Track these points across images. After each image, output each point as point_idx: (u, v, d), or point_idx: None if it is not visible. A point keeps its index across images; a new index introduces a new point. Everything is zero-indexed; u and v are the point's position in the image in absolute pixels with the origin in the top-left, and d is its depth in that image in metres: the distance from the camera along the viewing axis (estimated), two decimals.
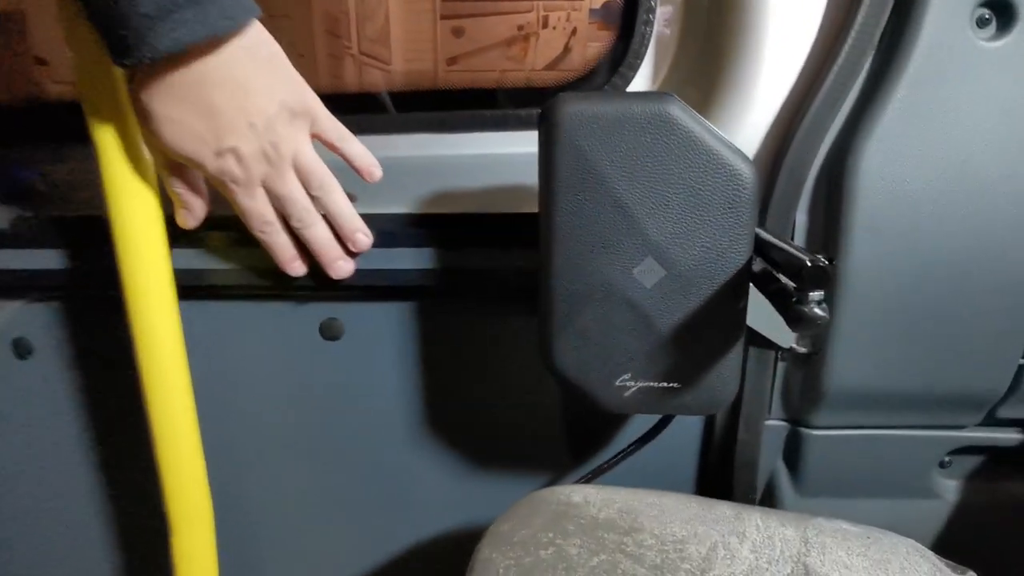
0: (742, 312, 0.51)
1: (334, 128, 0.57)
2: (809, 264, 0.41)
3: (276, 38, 0.52)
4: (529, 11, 1.03)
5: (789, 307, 0.42)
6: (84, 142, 0.53)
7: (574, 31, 1.02)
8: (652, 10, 0.64)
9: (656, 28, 0.66)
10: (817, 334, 0.46)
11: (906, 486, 0.65)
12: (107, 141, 0.53)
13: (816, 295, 0.41)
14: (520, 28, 1.04)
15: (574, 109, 0.47)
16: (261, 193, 0.55)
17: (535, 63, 1.06)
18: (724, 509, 0.57)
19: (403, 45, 1.05)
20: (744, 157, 0.49)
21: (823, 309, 0.42)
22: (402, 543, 0.76)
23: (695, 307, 0.50)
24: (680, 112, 0.47)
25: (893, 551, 0.54)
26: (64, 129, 0.68)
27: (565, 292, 0.51)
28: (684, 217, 0.48)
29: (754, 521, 0.55)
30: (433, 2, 1.02)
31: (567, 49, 0.98)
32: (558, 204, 0.49)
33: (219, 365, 0.70)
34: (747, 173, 0.48)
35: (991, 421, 0.62)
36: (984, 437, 0.62)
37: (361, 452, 0.74)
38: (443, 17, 1.03)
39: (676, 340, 0.51)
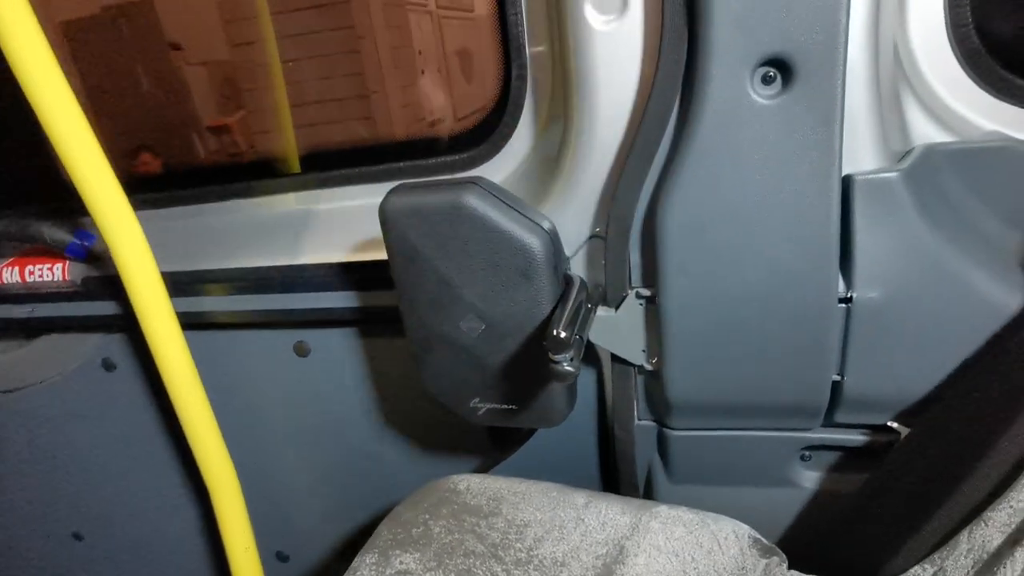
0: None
1: None
2: (554, 333, 0.52)
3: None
4: None
5: (551, 361, 0.54)
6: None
7: None
8: (523, 76, 0.73)
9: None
10: (568, 379, 0.56)
11: (769, 477, 0.73)
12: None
13: (562, 356, 0.53)
14: None
15: (399, 202, 0.61)
16: None
17: None
18: (578, 498, 0.70)
19: None
20: (539, 232, 0.59)
21: (572, 366, 0.53)
22: (360, 509, 0.99)
23: (514, 350, 0.63)
24: (476, 200, 0.58)
25: (714, 535, 0.65)
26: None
27: (416, 337, 0.66)
28: (490, 283, 0.60)
29: (598, 508, 0.68)
30: None
31: None
32: (397, 274, 0.63)
33: (224, 378, 0.94)
34: (537, 246, 0.58)
35: (835, 424, 0.68)
36: (830, 438, 0.68)
37: (329, 440, 0.95)
38: None
39: (505, 374, 0.64)
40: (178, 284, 0.86)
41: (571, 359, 0.53)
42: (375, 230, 0.82)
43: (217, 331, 0.91)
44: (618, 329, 0.69)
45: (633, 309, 0.68)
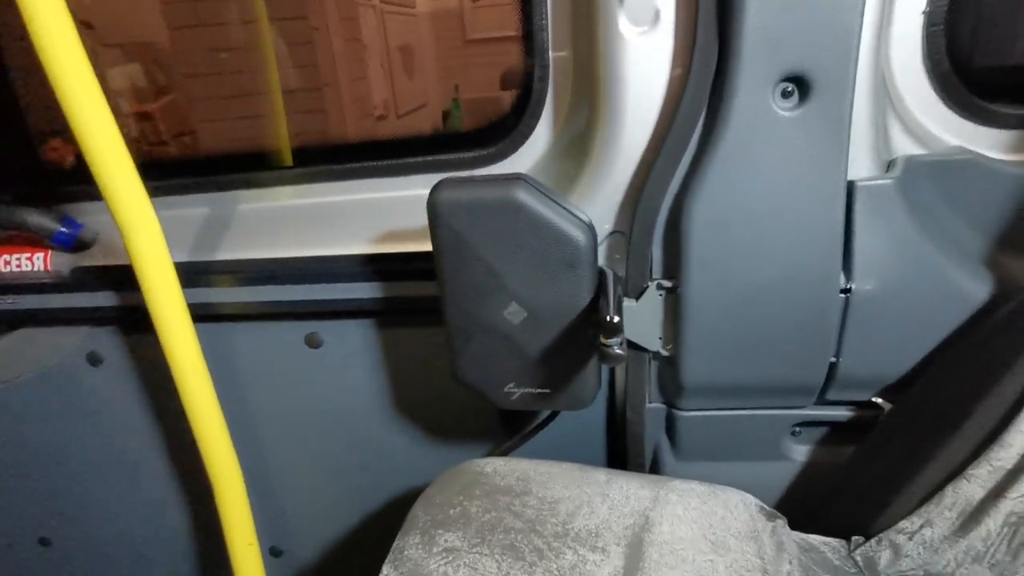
0: (592, 338, 0.67)
1: None
2: (608, 319, 0.57)
3: None
4: None
5: (600, 346, 0.59)
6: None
7: None
8: (545, 78, 0.77)
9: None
10: (620, 364, 0.61)
11: (764, 452, 0.81)
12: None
13: (614, 340, 0.58)
14: None
15: (448, 196, 0.63)
16: None
17: None
18: (599, 475, 0.75)
19: None
20: (582, 225, 0.64)
21: (622, 349, 0.58)
22: (370, 497, 1.00)
23: (553, 337, 0.67)
24: (525, 195, 0.62)
25: (725, 504, 0.72)
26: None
27: (457, 326, 0.69)
28: (535, 274, 0.64)
29: (620, 484, 0.74)
30: None
31: None
32: (443, 264, 0.66)
33: (236, 369, 0.93)
34: (582, 239, 0.63)
35: (824, 401, 0.76)
36: (820, 414, 0.77)
37: (332, 433, 0.96)
38: None
39: (542, 360, 0.68)
40: (185, 275, 0.85)
41: (621, 343, 0.58)
42: (396, 222, 0.85)
43: (223, 323, 0.90)
44: (637, 318, 0.75)
45: (653, 300, 0.73)
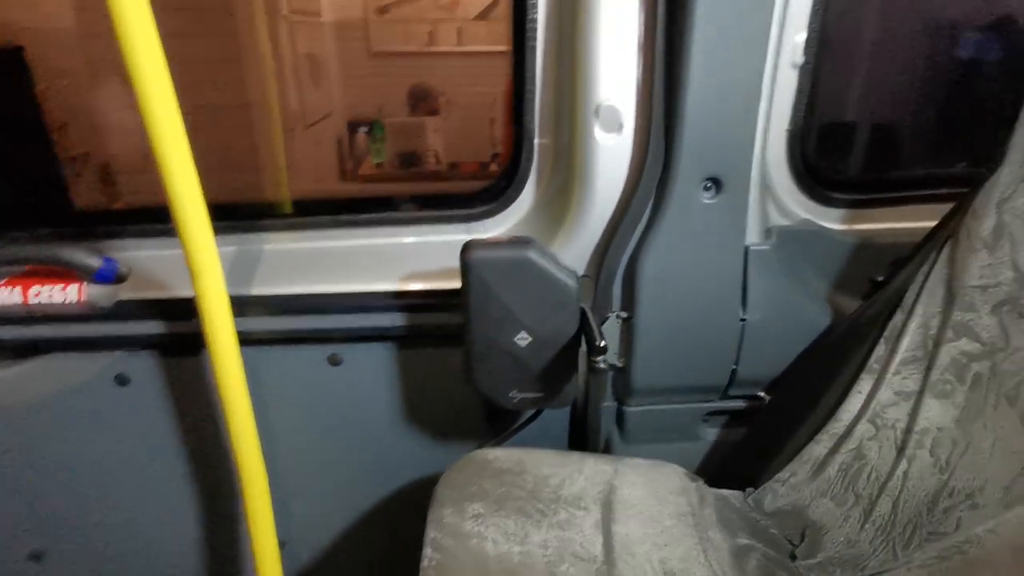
0: (574, 356, 0.93)
1: None
2: (597, 344, 0.83)
3: None
4: None
5: (589, 362, 0.85)
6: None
7: None
8: (531, 159, 1.02)
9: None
10: (606, 372, 0.88)
11: (684, 434, 1.11)
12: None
13: (601, 358, 0.84)
14: None
15: (478, 254, 0.87)
16: None
17: None
18: (574, 457, 1.01)
19: None
20: (572, 276, 0.90)
21: (606, 363, 0.85)
22: (385, 487, 1.20)
23: (549, 356, 0.92)
24: (535, 255, 0.87)
25: (662, 472, 1.00)
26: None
27: (477, 349, 0.92)
28: (539, 310, 0.89)
29: (589, 462, 1.00)
30: None
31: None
32: (470, 302, 0.89)
33: (268, 386, 1.09)
34: (573, 286, 0.89)
35: (726, 396, 1.08)
36: (724, 405, 1.09)
37: (356, 434, 1.14)
38: None
39: (540, 372, 0.93)
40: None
41: (605, 359, 0.85)
42: (406, 266, 1.06)
43: (262, 347, 1.05)
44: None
45: (613, 326, 1.01)
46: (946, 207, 0.91)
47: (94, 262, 1.00)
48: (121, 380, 1.07)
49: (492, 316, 0.89)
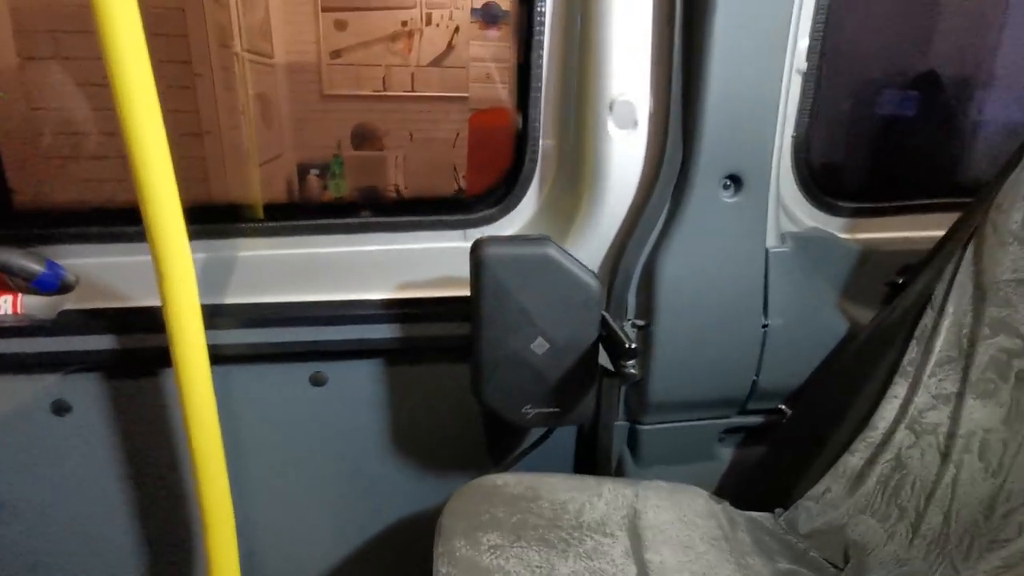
0: (595, 366, 0.85)
1: None
2: (626, 346, 0.75)
3: None
4: None
5: (617, 367, 0.77)
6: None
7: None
8: (535, 160, 0.96)
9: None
10: (634, 379, 0.81)
11: (700, 454, 1.04)
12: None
13: (630, 363, 0.76)
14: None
15: (492, 251, 0.79)
16: None
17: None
18: (590, 481, 0.91)
19: None
20: (593, 275, 0.82)
21: (634, 368, 0.77)
22: (376, 522, 1.06)
23: (567, 365, 0.84)
24: (554, 252, 0.80)
25: (687, 496, 0.92)
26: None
27: (487, 359, 0.82)
28: (558, 313, 0.81)
29: (607, 486, 0.90)
30: None
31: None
32: (481, 306, 0.80)
33: (241, 410, 0.95)
34: (594, 286, 0.82)
35: (744, 412, 1.02)
36: (741, 422, 1.03)
37: (343, 462, 1.01)
38: None
39: (557, 384, 0.84)
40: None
41: (634, 364, 0.77)
42: (405, 273, 0.96)
43: (237, 365, 0.92)
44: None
45: (629, 334, 0.94)
46: (951, 216, 0.90)
47: (34, 267, 0.86)
48: (59, 408, 0.91)
49: (506, 321, 0.81)
